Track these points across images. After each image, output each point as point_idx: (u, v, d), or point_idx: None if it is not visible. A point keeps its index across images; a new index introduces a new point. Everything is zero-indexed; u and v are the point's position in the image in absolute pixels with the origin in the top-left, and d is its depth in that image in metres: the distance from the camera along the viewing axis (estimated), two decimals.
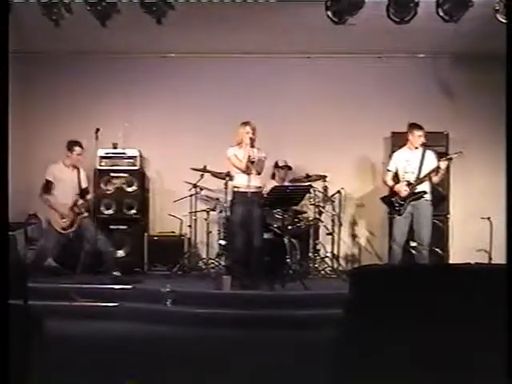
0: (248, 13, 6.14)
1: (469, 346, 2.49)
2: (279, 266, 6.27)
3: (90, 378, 3.70)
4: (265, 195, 6.37)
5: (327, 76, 7.62)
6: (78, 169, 6.68)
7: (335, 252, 7.22)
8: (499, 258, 6.02)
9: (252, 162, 6.06)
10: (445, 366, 2.49)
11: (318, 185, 7.00)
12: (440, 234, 7.07)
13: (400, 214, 6.24)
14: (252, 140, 6.11)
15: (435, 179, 6.27)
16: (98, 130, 6.52)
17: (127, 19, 5.65)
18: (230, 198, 6.40)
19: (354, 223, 7.81)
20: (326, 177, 7.03)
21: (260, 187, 6.28)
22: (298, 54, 7.51)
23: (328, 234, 7.26)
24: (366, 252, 7.77)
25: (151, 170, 7.89)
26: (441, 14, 5.47)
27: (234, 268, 6.26)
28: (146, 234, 7.54)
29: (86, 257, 6.44)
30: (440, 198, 6.97)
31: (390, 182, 6.42)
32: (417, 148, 6.31)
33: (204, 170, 7.03)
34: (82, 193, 6.64)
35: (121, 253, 7.21)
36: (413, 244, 6.42)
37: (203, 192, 7.31)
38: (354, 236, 7.82)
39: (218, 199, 7.11)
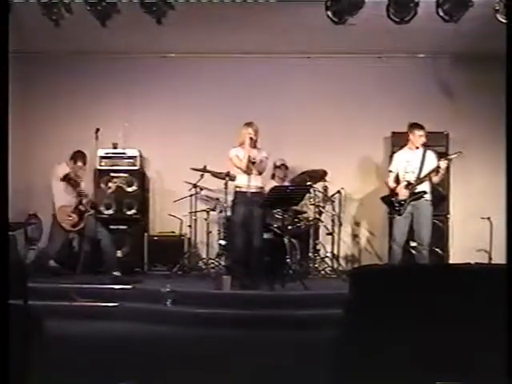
0: (248, 13, 6.15)
1: (469, 346, 2.49)
2: (279, 266, 6.26)
3: (90, 378, 3.69)
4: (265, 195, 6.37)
5: (327, 76, 7.62)
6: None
7: (335, 252, 7.22)
8: (499, 258, 6.03)
9: (253, 163, 6.07)
10: (445, 366, 2.49)
11: (318, 185, 6.99)
12: (440, 234, 7.07)
13: (400, 214, 6.24)
14: (253, 140, 6.12)
15: (435, 179, 6.26)
16: (98, 129, 6.50)
17: (127, 19, 5.65)
18: (230, 198, 6.40)
19: (354, 223, 7.81)
20: (323, 171, 6.96)
21: (261, 187, 6.27)
22: (298, 54, 7.51)
23: (328, 234, 7.26)
24: (366, 252, 7.77)
25: (151, 170, 7.88)
26: (441, 13, 5.48)
27: (234, 268, 6.26)
28: (145, 234, 7.54)
29: (86, 257, 6.43)
30: (440, 198, 6.97)
31: (392, 184, 6.41)
32: (418, 148, 6.30)
33: (204, 170, 7.03)
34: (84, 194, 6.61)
35: (121, 253, 7.20)
36: (413, 244, 6.41)
37: (203, 192, 7.31)
38: (354, 236, 7.82)
39: (218, 199, 7.11)
